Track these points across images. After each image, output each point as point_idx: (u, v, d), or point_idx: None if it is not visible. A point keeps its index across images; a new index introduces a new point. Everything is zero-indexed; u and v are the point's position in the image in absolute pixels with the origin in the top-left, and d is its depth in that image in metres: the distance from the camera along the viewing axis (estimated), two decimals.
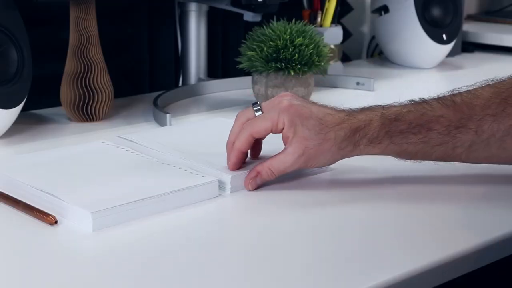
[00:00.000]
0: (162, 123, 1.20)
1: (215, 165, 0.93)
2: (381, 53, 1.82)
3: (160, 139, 1.04)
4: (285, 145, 0.90)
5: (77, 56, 1.20)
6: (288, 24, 1.29)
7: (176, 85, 1.49)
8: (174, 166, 0.93)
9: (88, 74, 1.20)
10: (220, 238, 0.81)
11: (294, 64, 1.25)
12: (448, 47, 1.70)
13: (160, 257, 0.76)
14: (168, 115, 1.20)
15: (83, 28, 1.19)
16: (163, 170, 0.93)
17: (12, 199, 0.86)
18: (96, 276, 0.72)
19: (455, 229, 0.84)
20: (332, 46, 1.55)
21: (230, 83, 1.46)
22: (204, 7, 1.44)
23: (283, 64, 1.25)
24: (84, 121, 1.23)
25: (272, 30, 1.27)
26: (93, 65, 1.20)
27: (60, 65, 1.22)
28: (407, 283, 0.72)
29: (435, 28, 1.67)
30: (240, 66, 1.30)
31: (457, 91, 0.91)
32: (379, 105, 0.91)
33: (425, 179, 0.96)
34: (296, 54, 1.25)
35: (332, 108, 0.91)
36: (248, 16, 1.28)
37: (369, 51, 1.90)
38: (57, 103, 1.25)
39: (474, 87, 0.92)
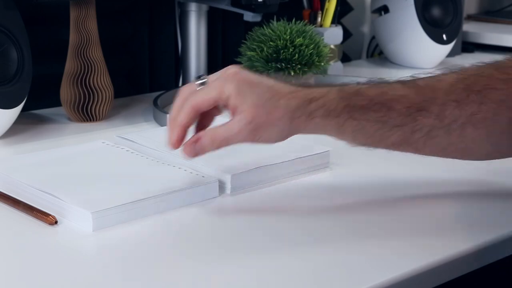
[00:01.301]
0: (162, 123, 1.20)
1: (215, 165, 0.93)
2: (381, 53, 1.82)
3: (160, 139, 1.04)
4: (232, 117, 0.82)
5: (77, 56, 1.20)
6: (288, 24, 1.29)
7: (176, 85, 1.48)
8: (174, 166, 0.93)
9: (88, 74, 1.20)
10: (220, 238, 0.81)
11: (294, 64, 1.25)
12: (448, 47, 1.70)
13: (160, 257, 0.76)
14: (168, 115, 1.19)
15: (83, 28, 1.19)
16: (163, 170, 0.93)
17: (12, 199, 0.86)
18: (96, 276, 0.72)
19: (455, 229, 0.84)
20: (332, 46, 1.55)
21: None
22: (204, 7, 1.44)
23: (283, 64, 1.25)
24: (84, 121, 1.23)
25: (272, 30, 1.27)
26: (93, 65, 1.20)
27: (60, 65, 1.22)
28: (407, 283, 0.72)
29: (435, 28, 1.67)
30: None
31: (418, 75, 0.87)
32: (332, 83, 0.85)
33: (425, 180, 0.96)
34: (296, 54, 1.25)
35: (283, 81, 0.84)
36: (248, 16, 1.28)
37: (369, 51, 1.90)
38: (57, 103, 1.25)
39: (436, 71, 0.88)
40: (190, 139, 0.83)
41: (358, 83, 0.85)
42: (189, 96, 0.83)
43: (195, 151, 0.83)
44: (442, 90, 0.84)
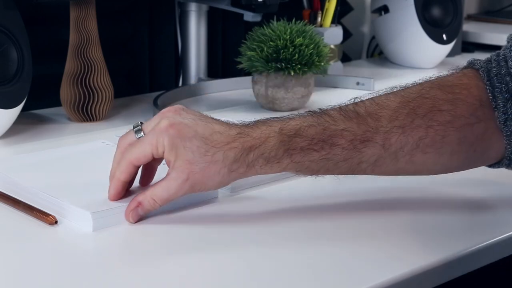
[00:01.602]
0: None
1: None
2: (381, 53, 1.82)
3: None
4: (169, 170, 0.81)
5: (77, 56, 1.20)
6: (288, 24, 1.29)
7: (176, 85, 1.49)
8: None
9: (88, 74, 1.20)
10: (220, 239, 0.81)
11: (294, 64, 1.25)
12: (448, 47, 1.70)
13: (160, 258, 0.76)
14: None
15: (83, 28, 1.19)
16: (163, 170, 0.92)
17: (12, 199, 0.86)
18: (96, 276, 0.72)
19: (454, 229, 0.84)
20: (332, 46, 1.55)
21: (230, 83, 1.46)
22: (204, 7, 1.44)
23: (283, 64, 1.25)
24: (84, 121, 1.23)
25: (272, 30, 1.27)
26: (93, 65, 1.20)
27: (60, 65, 1.22)
28: (407, 284, 0.72)
29: (435, 28, 1.67)
30: (240, 66, 1.30)
31: (359, 99, 0.84)
32: (276, 118, 0.82)
33: (424, 181, 0.96)
34: (296, 54, 1.25)
35: (222, 124, 0.81)
36: (248, 16, 1.28)
37: (369, 51, 1.90)
38: (57, 103, 1.25)
39: (377, 94, 0.85)
40: (131, 205, 0.81)
41: (299, 116, 0.83)
42: (126, 150, 0.82)
43: (139, 215, 0.82)
44: (385, 118, 0.82)
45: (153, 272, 0.72)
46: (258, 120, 0.83)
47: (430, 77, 0.86)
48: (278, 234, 0.82)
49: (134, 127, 0.83)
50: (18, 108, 1.13)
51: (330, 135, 0.81)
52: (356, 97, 0.85)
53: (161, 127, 0.79)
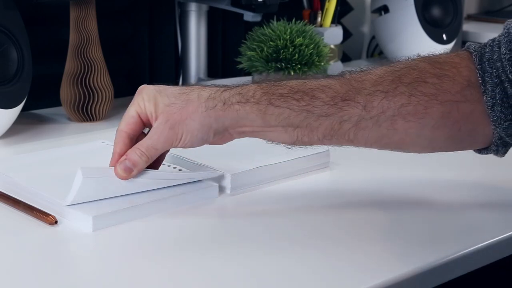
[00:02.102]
0: None
1: (215, 165, 0.93)
2: (381, 53, 1.82)
3: None
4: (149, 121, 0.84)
5: (77, 56, 1.20)
6: (288, 24, 1.29)
7: (176, 85, 1.48)
8: (174, 167, 0.93)
9: (88, 74, 1.20)
10: (220, 239, 0.81)
11: (294, 64, 1.25)
12: (448, 47, 1.70)
13: (160, 258, 0.76)
14: None
15: (83, 28, 1.19)
16: (163, 170, 0.93)
17: (12, 199, 0.86)
18: (96, 276, 0.72)
19: (454, 229, 0.84)
20: (332, 46, 1.55)
21: (230, 83, 1.46)
22: (204, 7, 1.44)
23: (283, 64, 1.25)
24: (84, 121, 1.23)
25: (272, 30, 1.27)
26: (93, 65, 1.20)
27: (60, 65, 1.22)
28: (407, 283, 0.72)
29: (435, 28, 1.67)
30: (240, 66, 1.30)
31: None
32: (252, 84, 0.84)
33: (424, 180, 0.96)
34: (296, 54, 1.25)
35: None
36: (248, 16, 1.28)
37: (369, 51, 1.90)
38: (57, 103, 1.25)
39: (368, 67, 0.85)
40: (120, 160, 0.83)
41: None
42: (119, 125, 0.86)
43: (127, 167, 0.83)
44: (369, 81, 0.82)
45: (153, 272, 0.72)
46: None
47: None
48: (278, 234, 0.82)
49: None
50: (18, 108, 1.13)
51: (311, 88, 0.81)
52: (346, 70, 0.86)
53: (139, 89, 0.85)
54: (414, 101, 0.81)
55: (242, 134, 0.84)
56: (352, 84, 0.82)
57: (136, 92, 0.86)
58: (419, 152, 0.86)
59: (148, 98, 0.83)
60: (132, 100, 0.85)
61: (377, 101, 0.81)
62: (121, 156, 0.84)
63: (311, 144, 0.84)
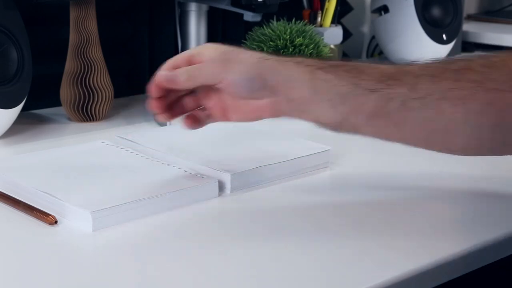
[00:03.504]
0: (162, 123, 1.20)
1: (214, 165, 0.93)
2: (381, 53, 1.82)
3: (160, 139, 1.04)
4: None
5: (77, 56, 1.20)
6: (288, 24, 1.29)
7: None
8: (174, 166, 0.93)
9: (88, 74, 1.20)
10: (220, 238, 0.81)
11: None
12: (448, 47, 1.70)
13: (160, 257, 0.76)
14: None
15: (83, 28, 1.19)
16: (163, 170, 0.93)
17: (12, 199, 0.86)
18: (96, 276, 0.72)
19: (454, 229, 0.84)
20: (332, 46, 1.55)
21: None
22: (204, 7, 1.44)
23: None
24: (84, 121, 1.23)
25: (272, 30, 1.27)
26: (93, 65, 1.20)
27: (60, 65, 1.22)
28: (407, 283, 0.72)
29: (435, 28, 1.67)
30: None
31: None
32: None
33: (424, 179, 0.96)
34: (296, 54, 1.25)
35: None
36: (248, 16, 1.28)
37: (369, 51, 1.90)
38: (57, 103, 1.25)
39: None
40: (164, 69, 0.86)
41: None
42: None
43: (167, 76, 0.85)
44: (417, 66, 0.83)
45: (153, 272, 0.72)
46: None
47: None
48: (278, 234, 0.82)
49: None
50: (18, 108, 1.13)
51: (359, 65, 0.83)
52: None
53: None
54: (460, 86, 0.81)
55: (290, 104, 0.84)
56: (400, 67, 0.83)
57: None
58: (467, 152, 0.86)
59: (200, 48, 0.85)
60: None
61: (424, 83, 0.82)
62: (159, 89, 0.86)
63: (356, 130, 0.84)
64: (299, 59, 0.84)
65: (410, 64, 0.84)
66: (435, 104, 0.81)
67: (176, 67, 0.86)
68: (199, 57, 0.85)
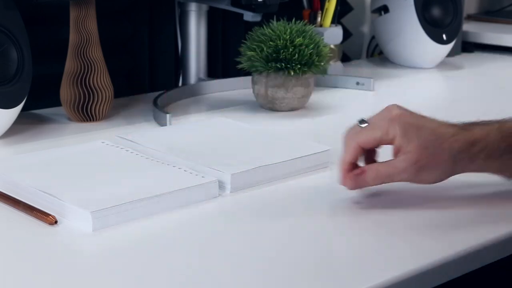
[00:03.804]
0: (162, 123, 1.20)
1: (214, 165, 0.93)
2: (381, 53, 1.82)
3: (160, 139, 1.04)
4: (395, 157, 0.85)
5: (77, 56, 1.20)
6: (288, 24, 1.29)
7: (176, 85, 1.49)
8: (174, 166, 0.93)
9: (88, 74, 1.20)
10: (220, 238, 0.81)
11: (294, 64, 1.25)
12: (448, 47, 1.70)
13: (160, 257, 0.76)
14: (168, 115, 1.20)
15: (83, 28, 1.19)
16: (163, 170, 0.93)
17: (12, 199, 0.86)
18: (96, 276, 0.72)
19: (455, 229, 0.84)
20: (332, 46, 1.55)
21: (230, 83, 1.46)
22: (204, 7, 1.44)
23: (283, 64, 1.25)
24: (84, 121, 1.23)
25: (272, 30, 1.27)
26: (93, 65, 1.20)
27: (60, 65, 1.22)
28: (407, 283, 0.72)
29: (435, 28, 1.67)
30: (240, 66, 1.30)
31: None
32: (491, 120, 0.87)
33: None
34: (296, 54, 1.25)
35: (443, 121, 0.86)
36: (248, 16, 1.28)
37: (369, 51, 1.90)
38: (57, 103, 1.25)
39: None
40: (355, 171, 0.85)
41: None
42: (354, 136, 0.86)
43: (357, 183, 0.86)
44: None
45: (153, 272, 0.72)
46: (476, 121, 0.87)
47: None
48: (278, 234, 0.82)
49: (358, 121, 0.87)
50: (18, 108, 1.13)
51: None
52: None
53: (393, 115, 0.84)
54: None
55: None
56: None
57: (390, 116, 0.85)
58: None
59: (402, 133, 0.83)
60: (382, 121, 0.84)
61: None
62: (350, 164, 0.86)
63: None
64: (490, 148, 0.85)
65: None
66: None
67: (362, 150, 0.86)
68: (387, 142, 0.85)
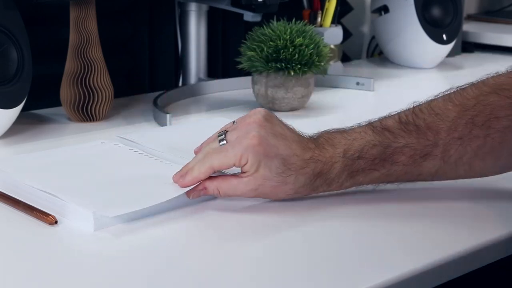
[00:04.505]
0: (162, 123, 1.20)
1: None
2: (381, 53, 1.82)
3: (160, 139, 1.04)
4: (241, 171, 0.85)
5: (77, 56, 1.20)
6: (288, 24, 1.29)
7: (176, 85, 1.49)
8: (174, 166, 0.93)
9: (88, 74, 1.20)
10: (220, 238, 0.81)
11: (294, 64, 1.25)
12: (448, 47, 1.70)
13: (161, 257, 0.76)
14: (168, 115, 1.20)
15: (83, 28, 1.19)
16: (163, 170, 0.93)
17: (12, 199, 0.86)
18: (96, 276, 0.72)
19: (455, 228, 0.84)
20: (332, 46, 1.55)
21: (230, 83, 1.46)
22: (204, 7, 1.44)
23: (283, 64, 1.25)
24: (84, 121, 1.23)
25: (272, 30, 1.27)
26: (93, 65, 1.20)
27: (60, 65, 1.22)
28: (407, 283, 0.72)
29: (435, 28, 1.67)
30: (240, 66, 1.30)
31: (417, 107, 0.87)
32: (339, 132, 0.87)
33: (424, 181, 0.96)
34: (296, 54, 1.25)
35: (299, 143, 0.86)
36: (248, 16, 1.28)
37: (369, 51, 1.90)
38: (57, 103, 1.25)
39: (435, 99, 0.87)
40: (198, 186, 0.86)
41: (361, 134, 0.86)
42: (210, 155, 0.86)
43: (199, 196, 0.87)
44: (444, 130, 0.85)
45: (153, 272, 0.72)
46: (324, 136, 0.87)
47: (485, 77, 0.88)
48: (278, 234, 0.82)
49: (218, 135, 0.87)
50: (18, 108, 1.13)
51: (391, 153, 0.86)
52: (415, 102, 0.88)
53: (249, 143, 0.84)
54: (489, 141, 0.85)
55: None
56: (428, 137, 0.85)
57: (245, 140, 0.84)
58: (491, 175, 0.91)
59: (252, 162, 0.83)
60: (237, 148, 0.84)
61: (454, 149, 0.86)
62: (198, 180, 0.86)
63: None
64: (332, 178, 0.86)
65: (437, 125, 0.86)
66: (466, 165, 0.87)
67: (214, 171, 0.86)
68: (239, 165, 0.85)
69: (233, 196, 0.87)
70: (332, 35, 1.56)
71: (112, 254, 0.76)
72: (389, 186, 0.90)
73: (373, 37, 1.87)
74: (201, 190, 0.86)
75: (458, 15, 1.71)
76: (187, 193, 0.86)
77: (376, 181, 0.88)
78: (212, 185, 0.86)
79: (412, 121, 0.86)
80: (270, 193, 0.86)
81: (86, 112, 1.22)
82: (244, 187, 0.85)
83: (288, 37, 1.26)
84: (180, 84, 1.48)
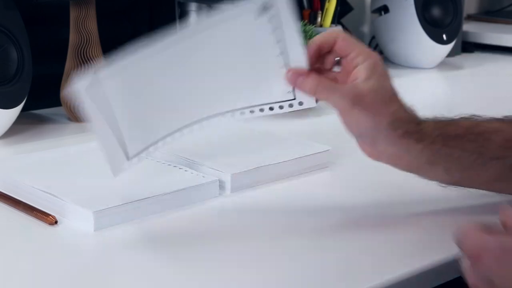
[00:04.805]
0: None
1: (215, 165, 0.93)
2: (381, 53, 1.82)
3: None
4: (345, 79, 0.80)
5: (77, 56, 1.20)
6: None
7: None
8: (174, 166, 0.93)
9: None
10: (220, 238, 0.81)
11: None
12: (448, 47, 1.70)
13: (161, 257, 0.76)
14: None
15: (83, 28, 1.19)
16: (163, 170, 0.93)
17: (12, 199, 0.86)
18: (97, 276, 0.72)
19: (454, 229, 0.84)
20: None
21: None
22: (204, 7, 1.44)
23: None
24: (84, 121, 1.22)
25: None
26: (93, 65, 1.20)
27: (60, 65, 1.22)
28: (407, 283, 0.72)
29: (435, 28, 1.67)
30: None
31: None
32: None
33: (424, 181, 0.96)
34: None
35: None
36: None
37: None
38: (57, 103, 1.24)
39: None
40: (301, 70, 0.80)
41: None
42: (336, 31, 0.88)
43: (295, 82, 0.80)
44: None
45: (154, 272, 0.72)
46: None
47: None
48: (278, 234, 0.82)
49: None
50: (18, 108, 1.13)
51: (484, 130, 0.82)
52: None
53: (373, 56, 0.84)
54: None
55: (401, 167, 0.85)
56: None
57: (372, 53, 0.85)
58: None
59: (366, 67, 0.81)
60: (366, 48, 0.85)
61: None
62: (316, 51, 0.82)
63: (471, 187, 0.86)
64: (424, 132, 0.81)
65: None
66: None
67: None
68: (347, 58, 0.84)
69: (329, 100, 0.81)
70: None
71: (112, 254, 0.76)
72: (389, 187, 0.90)
73: (373, 37, 1.87)
74: (302, 75, 0.80)
75: (458, 15, 1.72)
76: (287, 74, 0.80)
77: (468, 155, 0.81)
78: (314, 77, 0.80)
79: (507, 116, 0.85)
80: (368, 109, 0.79)
81: None
82: (346, 90, 0.80)
83: None
84: None
